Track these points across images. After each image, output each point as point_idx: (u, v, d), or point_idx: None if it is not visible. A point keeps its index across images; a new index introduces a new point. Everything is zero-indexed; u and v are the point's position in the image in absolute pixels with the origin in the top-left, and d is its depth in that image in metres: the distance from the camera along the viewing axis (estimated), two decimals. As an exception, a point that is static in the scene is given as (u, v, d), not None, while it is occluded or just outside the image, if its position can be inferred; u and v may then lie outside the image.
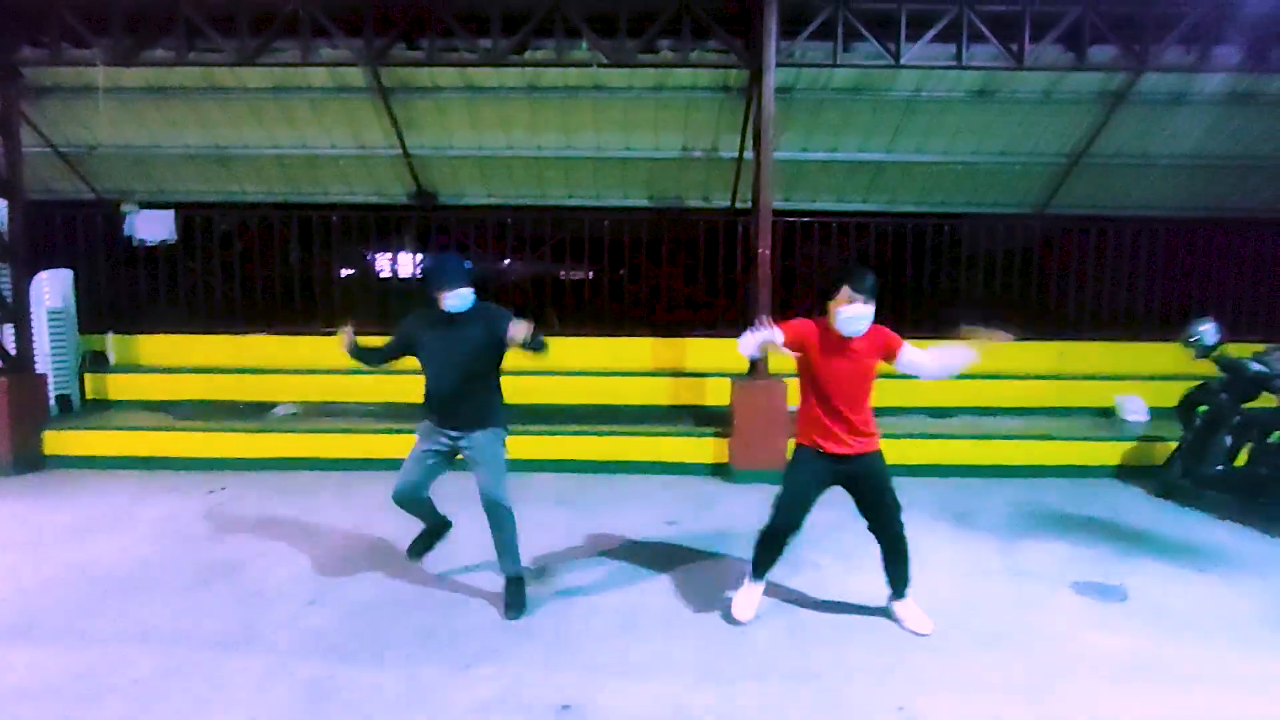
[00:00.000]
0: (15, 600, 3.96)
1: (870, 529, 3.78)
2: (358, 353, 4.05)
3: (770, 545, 3.81)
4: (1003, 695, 3.17)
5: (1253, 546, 4.97)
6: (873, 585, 4.00)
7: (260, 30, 6.45)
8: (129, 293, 8.33)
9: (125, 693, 3.11)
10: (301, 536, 4.95)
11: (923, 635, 3.68)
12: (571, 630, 3.71)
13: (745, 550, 4.62)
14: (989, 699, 3.14)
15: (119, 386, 7.77)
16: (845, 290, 3.46)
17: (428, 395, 3.90)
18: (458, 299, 3.72)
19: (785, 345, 3.53)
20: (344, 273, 9.27)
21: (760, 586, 3.94)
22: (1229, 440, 5.75)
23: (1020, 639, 3.66)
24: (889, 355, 3.63)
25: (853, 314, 3.47)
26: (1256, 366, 5.65)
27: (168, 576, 4.30)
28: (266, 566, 4.45)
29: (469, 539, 4.51)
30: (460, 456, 3.95)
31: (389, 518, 4.79)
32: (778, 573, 4.05)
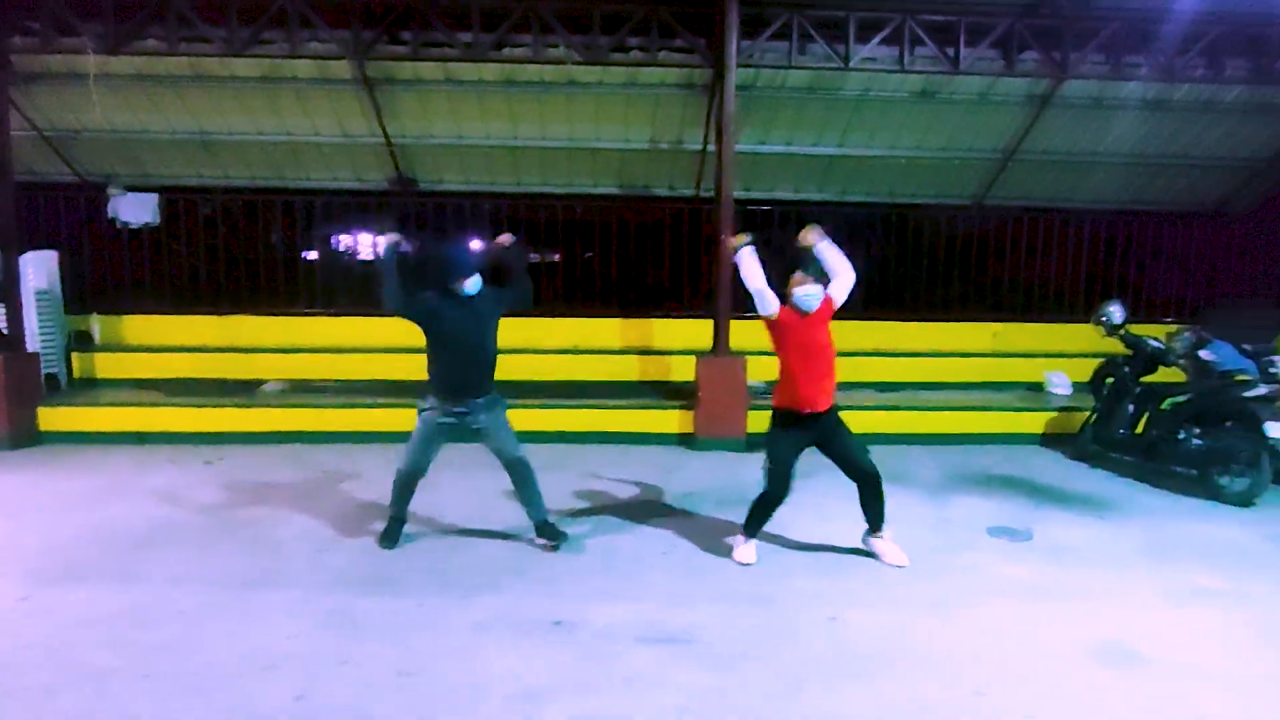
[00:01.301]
0: (52, 553, 4.38)
1: (847, 474, 4.39)
2: (391, 258, 4.30)
3: (765, 510, 4.40)
4: (918, 609, 3.84)
5: (1143, 498, 5.74)
6: (817, 528, 4.67)
7: (249, 22, 6.78)
8: (113, 274, 8.56)
9: (175, 620, 3.59)
10: (303, 499, 5.40)
11: (900, 567, 4.31)
12: (557, 569, 4.28)
13: (708, 506, 5.31)
14: (906, 612, 3.80)
15: (105, 365, 8.03)
16: (797, 274, 4.17)
17: (444, 375, 4.31)
18: (474, 284, 4.20)
19: (776, 316, 4.24)
20: (316, 255, 9.56)
21: (754, 541, 4.50)
22: (1131, 409, 6.52)
23: (938, 570, 4.33)
24: (832, 305, 4.30)
25: (804, 292, 4.15)
26: (1154, 344, 6.42)
27: (184, 533, 4.74)
28: (274, 524, 4.91)
29: (455, 496, 5.05)
30: (475, 429, 4.39)
31: (383, 482, 5.25)
32: (731, 516, 4.68)
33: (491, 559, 4.37)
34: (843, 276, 4.32)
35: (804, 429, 4.29)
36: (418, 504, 4.63)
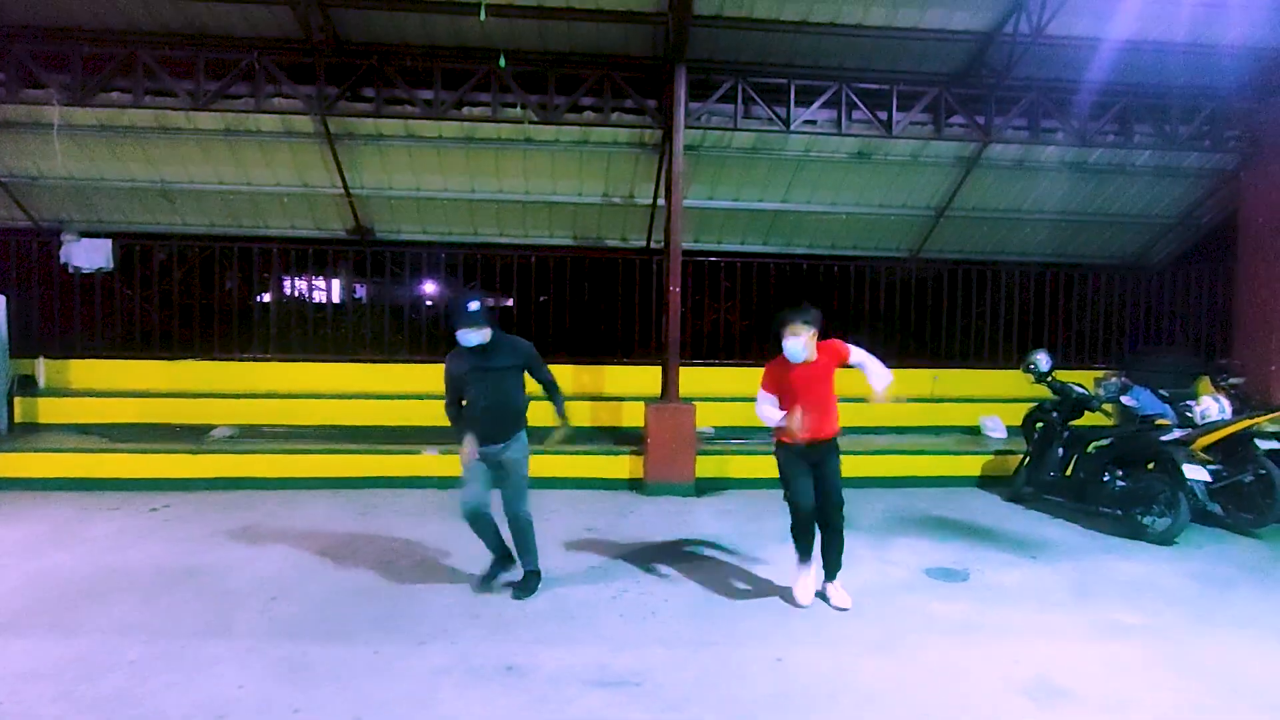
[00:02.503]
0: (-7, 603, 4.30)
1: (815, 516, 4.55)
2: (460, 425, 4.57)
3: (802, 530, 4.56)
4: (859, 648, 4.01)
5: (1074, 539, 6.04)
6: (761, 572, 4.83)
7: (216, 77, 6.92)
8: (63, 318, 8.44)
9: (122, 672, 3.57)
10: (252, 546, 5.38)
11: (844, 610, 4.49)
12: (509, 614, 4.36)
13: (657, 551, 5.42)
14: (849, 652, 3.97)
15: (49, 410, 7.89)
16: (786, 330, 4.41)
17: (471, 419, 4.49)
18: (468, 336, 4.33)
19: (773, 394, 4.49)
20: (279, 301, 9.56)
21: (811, 568, 4.63)
22: (1061, 452, 6.88)
23: (879, 609, 4.52)
24: (842, 360, 4.53)
25: (790, 346, 4.40)
26: (1079, 390, 6.83)
27: (131, 581, 4.69)
28: (224, 571, 4.88)
29: (409, 544, 5.09)
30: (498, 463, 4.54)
31: (333, 529, 5.32)
32: (683, 566, 4.81)
33: (444, 606, 4.43)
34: (873, 367, 4.58)
35: (808, 448, 4.50)
36: (371, 553, 4.67)
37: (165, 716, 3.20)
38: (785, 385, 4.49)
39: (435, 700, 3.39)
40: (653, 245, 9.28)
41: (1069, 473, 6.78)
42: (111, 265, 8.26)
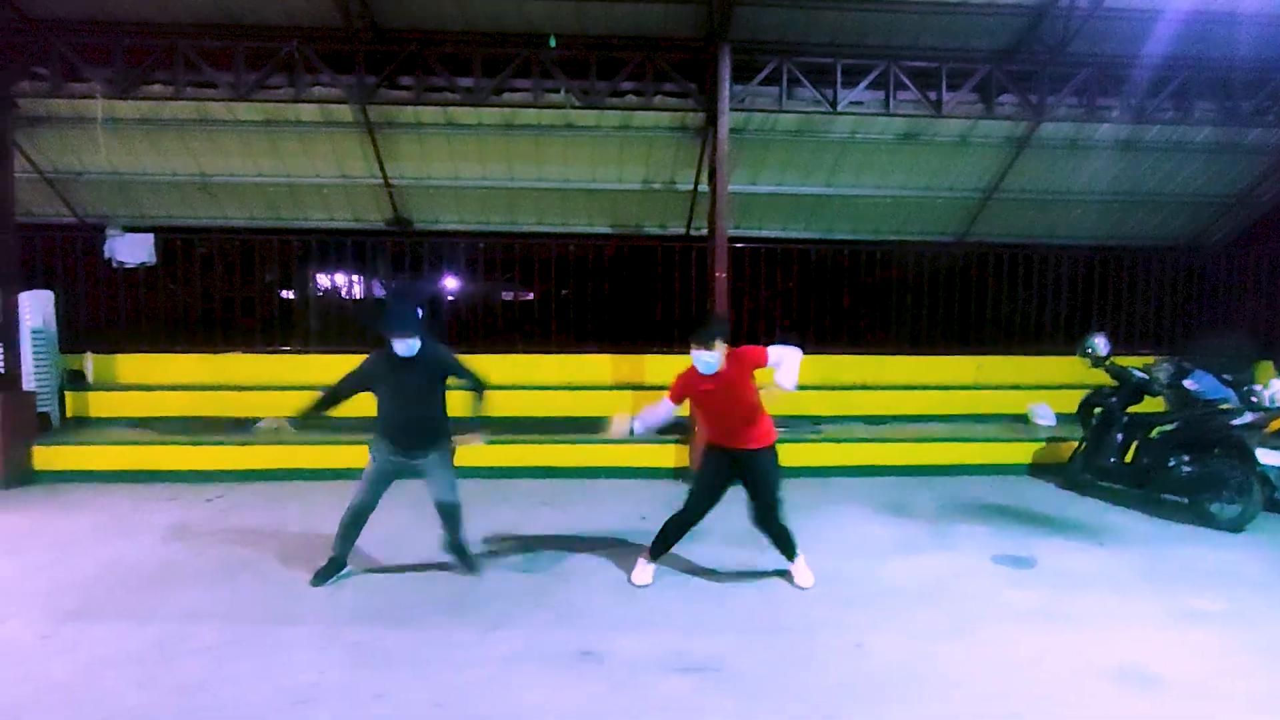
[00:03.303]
0: (67, 590, 4.33)
1: (752, 516, 4.56)
2: (309, 415, 4.53)
3: (673, 527, 4.60)
4: (936, 635, 3.92)
5: (1139, 526, 5.89)
6: (822, 559, 4.75)
7: (256, 67, 6.91)
8: (109, 313, 8.52)
9: (200, 657, 3.57)
10: (310, 535, 5.37)
11: (805, 589, 4.47)
12: (575, 600, 4.31)
13: (712, 538, 5.35)
14: (926, 638, 3.88)
15: (99, 404, 7.98)
16: (692, 345, 4.27)
17: (385, 425, 4.44)
18: (405, 346, 4.27)
19: (675, 404, 4.44)
20: (318, 293, 9.60)
21: (653, 563, 4.68)
22: (1120, 438, 6.71)
23: (948, 596, 4.42)
24: (757, 365, 4.34)
25: (700, 360, 4.26)
26: (1139, 374, 6.65)
27: (197, 570, 4.71)
28: (285, 560, 4.88)
29: (472, 526, 5.05)
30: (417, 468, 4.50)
31: (386, 517, 5.26)
32: (747, 552, 4.74)
33: (508, 592, 4.39)
34: (783, 366, 4.34)
35: (730, 456, 4.45)
36: (427, 540, 4.65)
37: (248, 702, 3.19)
38: (696, 394, 4.40)
39: (512, 686, 3.35)
40: (693, 232, 9.18)
41: (1129, 459, 6.62)
42: (154, 259, 8.31)
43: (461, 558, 4.71)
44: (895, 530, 5.65)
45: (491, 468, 7.02)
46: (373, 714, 3.12)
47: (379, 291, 10.44)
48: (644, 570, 4.62)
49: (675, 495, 6.64)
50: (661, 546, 4.63)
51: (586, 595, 4.38)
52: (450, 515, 4.61)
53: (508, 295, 10.54)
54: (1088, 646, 3.79)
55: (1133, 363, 6.94)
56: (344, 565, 4.58)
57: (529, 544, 5.21)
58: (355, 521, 4.52)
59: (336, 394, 4.52)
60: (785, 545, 4.61)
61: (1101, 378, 6.89)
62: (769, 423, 4.47)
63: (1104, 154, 8.36)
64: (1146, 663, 3.63)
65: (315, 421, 4.59)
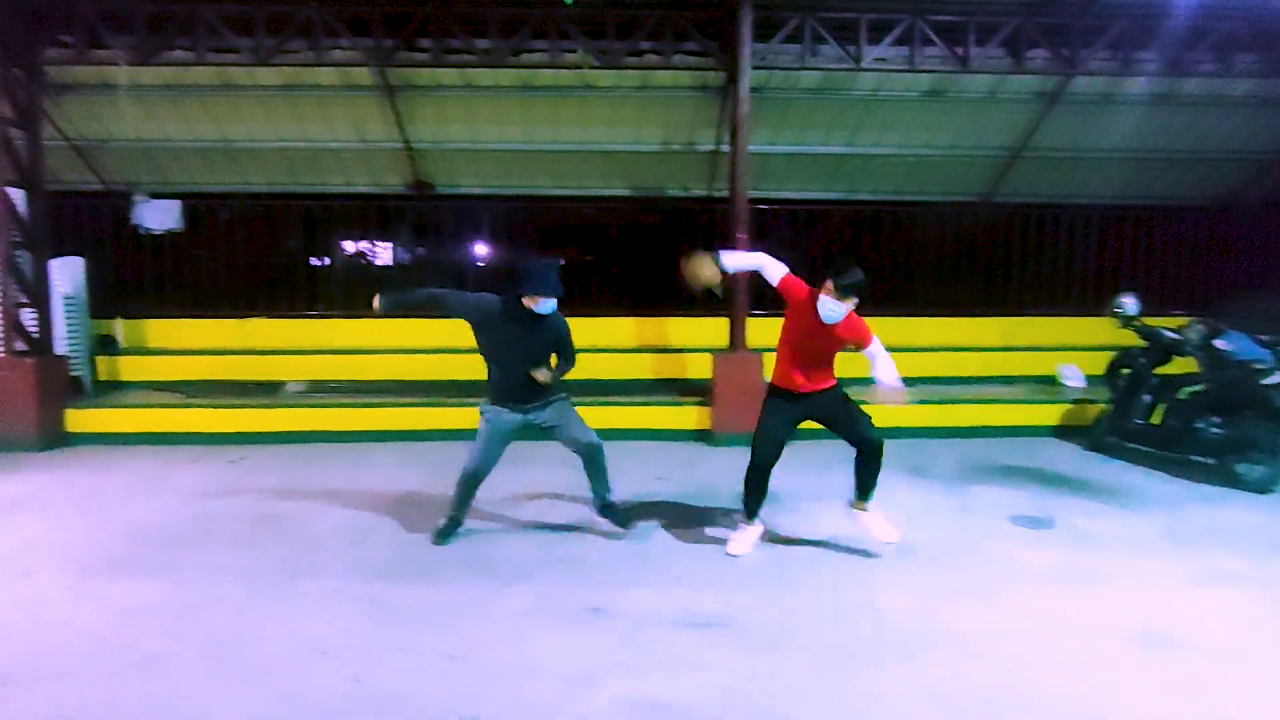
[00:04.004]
0: (94, 548, 4.47)
1: (851, 443, 4.39)
2: (399, 300, 4.54)
3: (754, 483, 4.43)
4: (951, 594, 3.90)
5: (1163, 488, 5.80)
6: (835, 519, 4.75)
7: (275, 32, 6.90)
8: (136, 279, 8.67)
9: (223, 609, 3.68)
10: (332, 495, 5.48)
11: (889, 543, 4.37)
12: (588, 559, 4.36)
13: (728, 499, 5.34)
14: (940, 598, 3.87)
15: (129, 368, 8.15)
16: (829, 284, 4.03)
17: (503, 382, 4.39)
18: (545, 305, 4.24)
19: (778, 285, 4.21)
20: (341, 258, 9.66)
21: (757, 525, 4.55)
22: (1148, 399, 6.58)
23: (964, 556, 4.40)
24: (858, 345, 4.23)
25: (829, 308, 4.06)
26: (1169, 334, 6.49)
27: (220, 528, 4.82)
28: (306, 519, 4.98)
29: (492, 492, 5.12)
30: (542, 427, 4.51)
31: (404, 479, 5.38)
32: (763, 511, 4.72)
33: (522, 551, 4.45)
34: (881, 368, 4.25)
35: (799, 401, 4.32)
36: (443, 501, 4.70)
37: (268, 651, 3.28)
38: (797, 321, 4.23)
39: (526, 640, 3.41)
40: (714, 193, 9.07)
41: (1157, 421, 6.49)
42: (180, 226, 8.41)
43: (608, 510, 4.72)
44: (913, 491, 5.62)
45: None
46: (391, 664, 3.19)
47: (402, 256, 10.50)
48: (743, 538, 4.47)
49: (695, 456, 6.70)
50: (754, 509, 4.50)
51: (600, 554, 4.42)
52: (593, 458, 4.56)
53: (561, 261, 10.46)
54: (1105, 608, 3.76)
55: (1163, 324, 6.77)
56: (461, 524, 4.65)
57: (546, 504, 5.26)
58: (471, 484, 4.54)
59: (437, 297, 4.41)
60: (871, 480, 4.42)
61: (1131, 338, 6.74)
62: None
63: (1138, 109, 8.05)
64: (1167, 625, 3.58)
65: (395, 308, 4.56)
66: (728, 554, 4.41)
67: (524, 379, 4.33)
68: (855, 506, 4.51)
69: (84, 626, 3.49)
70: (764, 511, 4.62)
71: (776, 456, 4.38)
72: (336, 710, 2.85)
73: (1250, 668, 3.22)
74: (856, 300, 4.09)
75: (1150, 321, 6.67)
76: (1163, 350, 6.52)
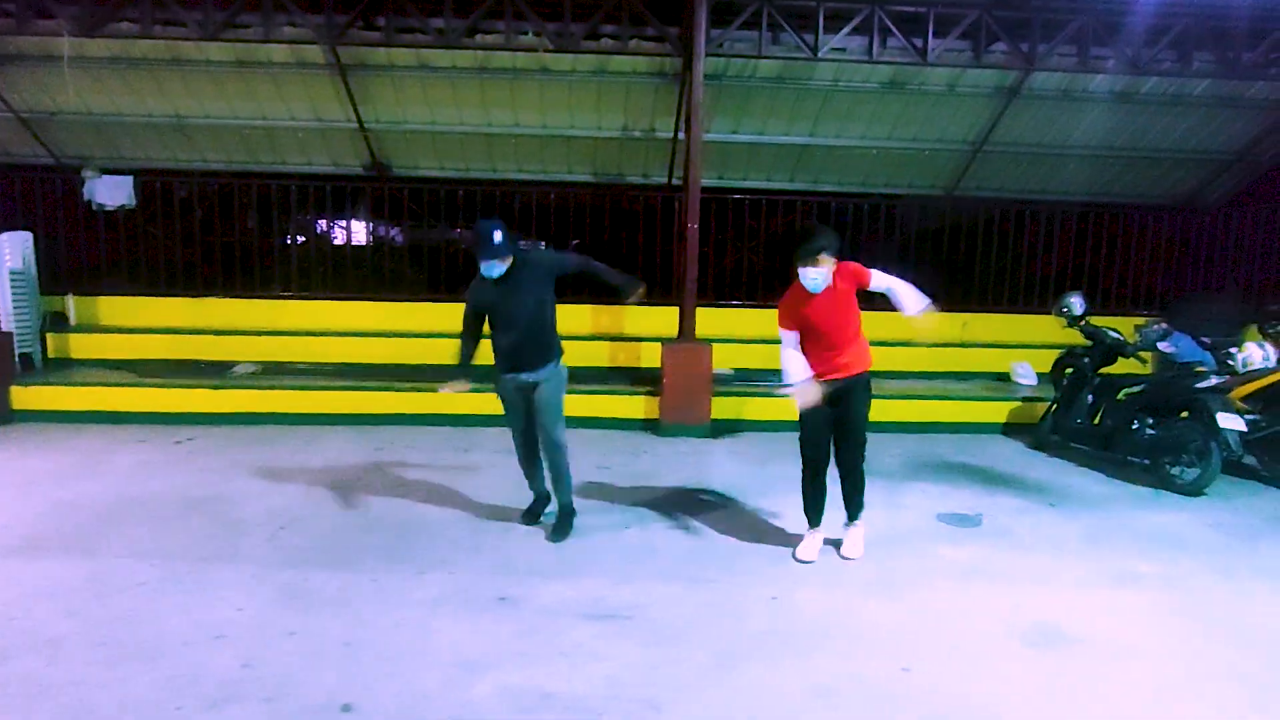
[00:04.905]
0: (16, 528, 4.45)
1: (835, 456, 4.34)
2: (467, 361, 4.52)
3: (813, 485, 4.34)
4: (860, 590, 3.95)
5: (1096, 487, 5.86)
6: (769, 514, 4.78)
7: (224, 5, 6.80)
8: (89, 256, 8.58)
9: (131, 593, 3.68)
10: (268, 479, 5.47)
11: (852, 560, 4.32)
12: (511, 548, 4.38)
13: (667, 490, 5.37)
14: (848, 593, 3.92)
15: (80, 346, 8.08)
16: (797, 264, 4.08)
17: (496, 350, 4.41)
18: (492, 267, 4.21)
19: (795, 331, 4.14)
20: (298, 239, 9.58)
21: (820, 532, 4.41)
22: (1090, 399, 6.64)
23: (883, 552, 4.44)
24: (861, 285, 4.18)
25: (810, 279, 4.07)
26: (1113, 335, 6.54)
27: (149, 510, 4.81)
28: (238, 502, 4.98)
29: (418, 476, 5.13)
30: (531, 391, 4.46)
31: (348, 464, 5.37)
32: (690, 506, 4.75)
33: (449, 539, 4.46)
34: (900, 291, 4.26)
35: (829, 387, 4.17)
36: (383, 487, 4.71)
37: (168, 635, 3.29)
38: (804, 319, 4.13)
39: (427, 627, 3.43)
40: (674, 182, 9.05)
41: (1097, 420, 6.56)
42: (134, 202, 8.32)
43: (560, 515, 4.61)
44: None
45: (458, 415, 7.09)
46: (284, 649, 3.21)
47: (364, 239, 10.42)
48: (811, 544, 4.38)
49: (640, 445, 6.73)
50: (816, 516, 4.39)
51: (524, 543, 4.44)
52: (550, 457, 4.50)
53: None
54: (1007, 605, 3.81)
55: (1119, 324, 6.82)
56: (541, 498, 4.71)
57: (481, 492, 5.27)
58: (526, 454, 4.61)
59: (469, 331, 4.47)
60: (856, 501, 4.40)
61: (1076, 338, 6.79)
62: (866, 346, 4.30)
63: (1098, 106, 8.10)
64: (1064, 623, 3.64)
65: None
66: (797, 559, 4.30)
67: (509, 342, 4.35)
68: (849, 527, 4.46)
69: (-11, 608, 3.49)
70: (692, 505, 4.65)
71: (823, 455, 4.29)
72: (219, 695, 2.86)
73: (1137, 667, 3.28)
74: (829, 255, 4.05)
75: (1107, 322, 6.73)
76: (1106, 350, 6.58)
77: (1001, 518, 5.10)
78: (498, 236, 4.16)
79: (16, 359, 7.45)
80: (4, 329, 7.29)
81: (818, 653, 3.33)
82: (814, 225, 4.09)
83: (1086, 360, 6.67)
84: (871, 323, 8.43)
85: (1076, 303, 6.65)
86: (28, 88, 7.84)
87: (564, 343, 7.98)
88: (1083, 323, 6.65)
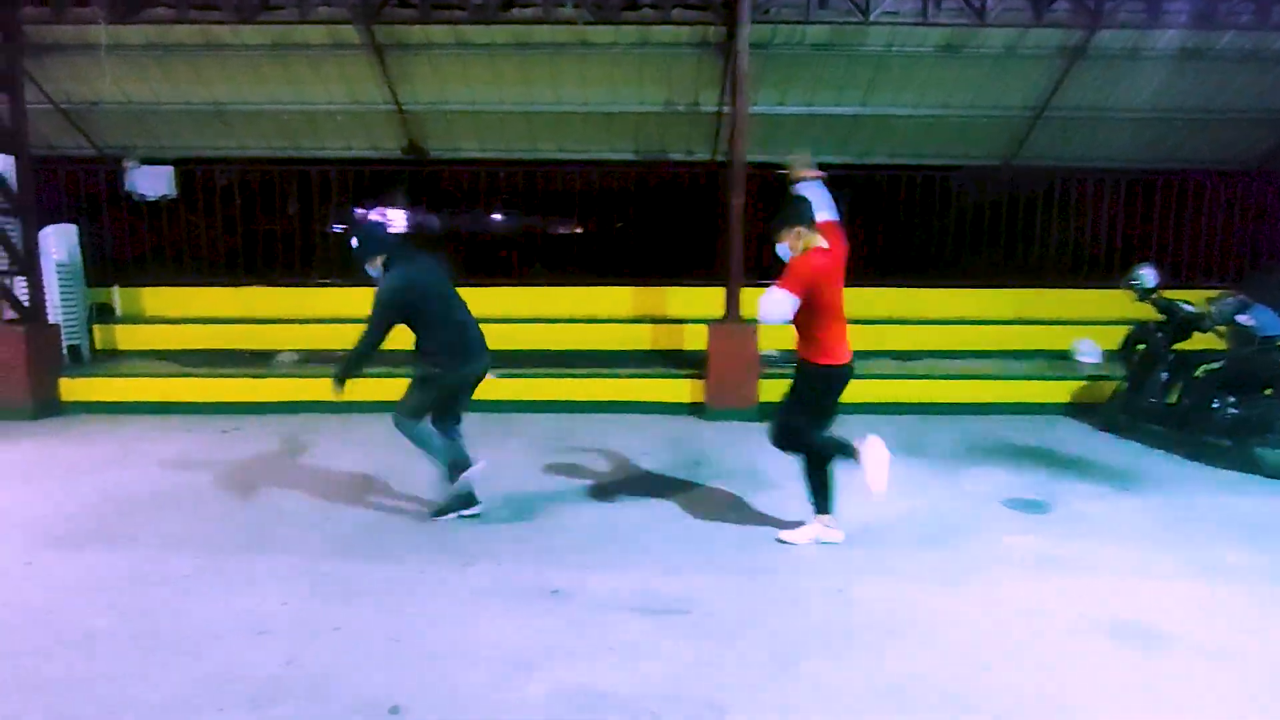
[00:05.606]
0: (61, 519, 4.44)
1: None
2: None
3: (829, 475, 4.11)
4: (925, 581, 3.71)
5: (1171, 470, 5.51)
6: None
7: (257, -12, 6.71)
8: (132, 246, 8.64)
9: (172, 585, 3.61)
10: (310, 468, 5.42)
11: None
12: (558, 538, 4.22)
13: (714, 477, 5.17)
14: (913, 584, 3.68)
15: (126, 337, 8.16)
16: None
17: (473, 335, 4.41)
18: (375, 269, 4.32)
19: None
20: (338, 228, 9.51)
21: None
22: (1164, 377, 6.24)
23: (946, 541, 4.19)
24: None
25: (780, 252, 3.98)
26: (1190, 309, 6.13)
27: (193, 500, 4.78)
28: (281, 491, 4.92)
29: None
30: None
31: (388, 453, 5.27)
32: (740, 492, 4.54)
33: (491, 529, 4.33)
34: None
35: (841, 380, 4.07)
36: (424, 476, 4.60)
37: (209, 630, 3.20)
38: (827, 285, 3.87)
39: (474, 622, 3.29)
40: (719, 158, 8.75)
41: (1173, 399, 6.17)
42: (174, 192, 8.33)
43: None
44: (904, 470, 5.32)
45: (503, 401, 6.97)
46: (328, 645, 3.09)
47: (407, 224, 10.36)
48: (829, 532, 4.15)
49: (685, 430, 6.53)
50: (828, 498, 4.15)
51: (569, 533, 4.28)
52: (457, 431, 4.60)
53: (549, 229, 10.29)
54: (1086, 599, 3.53)
55: (1188, 297, 6.39)
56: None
57: (525, 481, 5.13)
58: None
59: (387, 332, 4.45)
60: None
61: (1148, 312, 6.39)
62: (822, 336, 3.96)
63: (1168, 65, 7.55)
64: (1151, 618, 3.36)
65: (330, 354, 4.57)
66: (820, 541, 4.10)
67: (476, 328, 4.45)
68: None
69: (29, 602, 3.44)
70: (742, 491, 4.45)
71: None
72: (261, 694, 2.75)
73: (1235, 667, 3.00)
74: (793, 225, 3.91)
75: (1172, 294, 6.32)
76: (1181, 325, 6.18)
77: (1072, 503, 4.79)
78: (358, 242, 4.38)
79: (65, 351, 7.52)
80: (52, 321, 7.35)
81: (885, 649, 3.11)
82: (790, 198, 4.00)
83: (1160, 336, 6.27)
84: (928, 301, 8.33)
85: (1149, 275, 6.25)
86: (66, 78, 7.84)
87: (604, 325, 7.91)
88: (1155, 296, 6.25)
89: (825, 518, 4.13)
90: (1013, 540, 4.21)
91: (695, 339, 7.68)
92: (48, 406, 6.92)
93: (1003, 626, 3.29)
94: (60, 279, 7.59)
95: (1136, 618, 3.37)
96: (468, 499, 4.40)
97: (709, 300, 7.73)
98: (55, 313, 7.45)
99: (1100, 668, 3.00)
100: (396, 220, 9.70)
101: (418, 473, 4.78)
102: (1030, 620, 3.35)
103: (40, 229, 7.25)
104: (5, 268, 6.89)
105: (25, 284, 7.04)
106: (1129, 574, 3.82)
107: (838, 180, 8.58)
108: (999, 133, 8.62)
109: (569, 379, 7.18)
